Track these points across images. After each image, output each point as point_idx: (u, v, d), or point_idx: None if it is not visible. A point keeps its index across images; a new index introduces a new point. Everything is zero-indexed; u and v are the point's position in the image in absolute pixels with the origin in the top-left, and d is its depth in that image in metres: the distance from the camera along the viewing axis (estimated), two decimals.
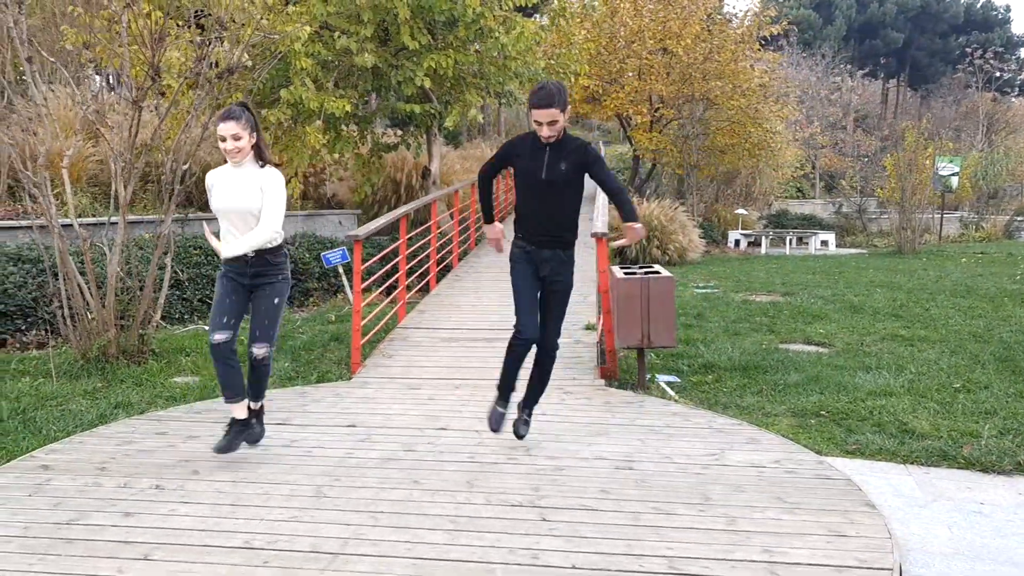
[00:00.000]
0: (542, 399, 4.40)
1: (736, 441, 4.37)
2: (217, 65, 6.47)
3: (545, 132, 3.83)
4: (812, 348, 7.36)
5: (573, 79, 12.11)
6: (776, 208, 23.74)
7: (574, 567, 2.97)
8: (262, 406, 4.23)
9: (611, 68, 17.55)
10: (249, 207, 3.79)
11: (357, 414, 4.90)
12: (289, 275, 3.99)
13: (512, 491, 3.68)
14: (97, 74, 6.20)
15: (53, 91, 10.38)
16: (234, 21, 8.47)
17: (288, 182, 9.94)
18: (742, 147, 18.46)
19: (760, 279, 12.38)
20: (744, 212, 19.82)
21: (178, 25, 7.27)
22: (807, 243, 19.44)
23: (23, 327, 6.96)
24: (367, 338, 6.50)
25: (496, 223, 4.31)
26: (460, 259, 10.80)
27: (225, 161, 3.89)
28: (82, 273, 6.18)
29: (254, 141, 3.81)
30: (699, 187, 20.93)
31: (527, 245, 4.04)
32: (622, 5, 17.22)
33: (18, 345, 6.86)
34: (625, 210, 4.01)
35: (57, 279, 6.11)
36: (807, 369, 6.34)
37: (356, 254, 6.07)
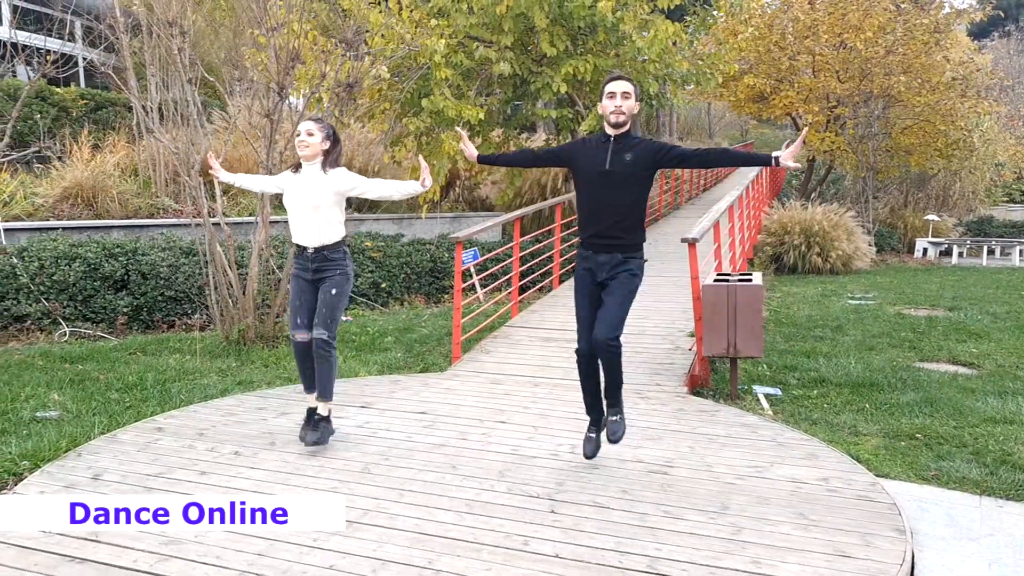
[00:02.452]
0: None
1: (792, 456, 4.19)
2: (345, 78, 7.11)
3: (617, 102, 3.67)
4: (954, 368, 6.73)
5: (720, 79, 11.77)
6: (979, 214, 21.32)
7: (557, 556, 3.07)
8: (329, 415, 4.42)
9: (780, 66, 16.73)
10: (314, 203, 4.24)
11: (432, 403, 5.23)
12: (349, 271, 4.38)
13: (536, 483, 3.82)
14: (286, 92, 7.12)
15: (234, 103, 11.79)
16: (383, 37, 9.21)
17: None
18: (932, 147, 16.85)
19: (928, 292, 11.32)
20: (935, 218, 18.05)
21: (337, 44, 8.05)
22: (1010, 253, 17.34)
23: (189, 311, 8.06)
24: (469, 335, 6.84)
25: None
26: None
27: (297, 167, 4.35)
28: (237, 265, 7.05)
29: (326, 147, 4.25)
30: (884, 190, 19.33)
31: (585, 251, 3.86)
32: None
33: (183, 327, 7.95)
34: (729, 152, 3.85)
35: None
36: (928, 390, 5.85)
37: (457, 255, 6.42)
